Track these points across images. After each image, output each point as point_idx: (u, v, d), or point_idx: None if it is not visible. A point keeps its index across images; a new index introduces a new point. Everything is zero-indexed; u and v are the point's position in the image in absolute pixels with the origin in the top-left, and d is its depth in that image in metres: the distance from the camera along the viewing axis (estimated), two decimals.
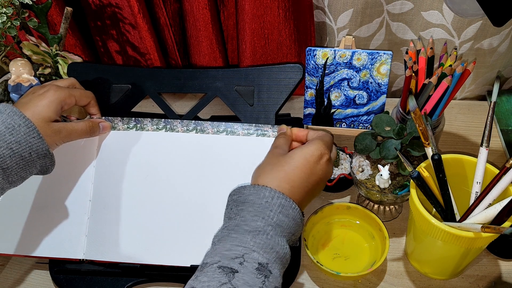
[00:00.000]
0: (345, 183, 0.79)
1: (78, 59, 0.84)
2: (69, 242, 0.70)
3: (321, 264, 0.67)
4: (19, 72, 0.79)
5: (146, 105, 0.92)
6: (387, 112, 0.74)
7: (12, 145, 0.59)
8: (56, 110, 0.64)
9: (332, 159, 0.63)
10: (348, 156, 0.80)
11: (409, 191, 0.66)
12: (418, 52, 0.73)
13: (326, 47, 0.79)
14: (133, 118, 0.74)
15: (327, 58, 0.77)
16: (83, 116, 0.73)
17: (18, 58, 0.80)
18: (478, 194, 0.62)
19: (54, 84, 0.67)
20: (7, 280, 0.73)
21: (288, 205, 0.56)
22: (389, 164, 0.69)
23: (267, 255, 0.52)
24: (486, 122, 0.60)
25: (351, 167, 0.73)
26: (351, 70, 0.78)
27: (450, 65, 0.70)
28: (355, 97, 0.80)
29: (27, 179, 0.64)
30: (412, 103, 0.62)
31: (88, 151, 0.73)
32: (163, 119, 0.74)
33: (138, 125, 0.73)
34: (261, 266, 0.51)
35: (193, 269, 0.67)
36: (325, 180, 0.63)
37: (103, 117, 0.73)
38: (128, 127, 0.73)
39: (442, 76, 0.69)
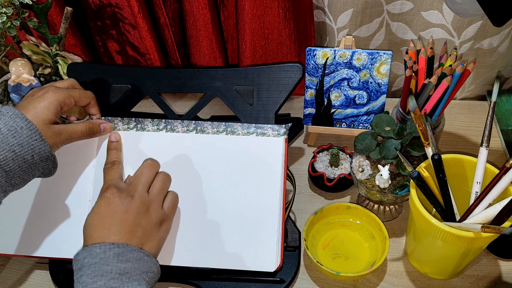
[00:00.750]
0: (345, 183, 0.79)
1: (78, 59, 0.84)
2: (69, 242, 0.70)
3: (321, 264, 0.67)
4: (19, 72, 0.79)
5: (146, 105, 0.92)
6: (387, 112, 0.74)
7: (14, 147, 0.58)
8: (56, 112, 0.64)
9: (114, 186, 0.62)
10: (348, 156, 0.80)
11: (409, 191, 0.66)
12: (418, 52, 0.73)
13: (326, 47, 0.79)
14: (134, 119, 0.74)
15: (327, 58, 0.77)
16: (83, 117, 0.73)
17: (18, 58, 0.80)
18: (478, 194, 0.62)
19: (53, 85, 0.67)
20: (7, 280, 0.73)
21: (124, 251, 0.56)
22: (389, 164, 0.69)
23: None
24: (486, 122, 0.60)
25: (351, 167, 0.73)
26: (351, 70, 0.78)
27: (450, 65, 0.70)
28: (355, 97, 0.80)
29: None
30: (412, 103, 0.62)
31: (88, 151, 0.73)
32: (163, 120, 0.74)
33: (139, 126, 0.73)
34: None
35: (192, 269, 0.68)
36: (138, 201, 0.61)
37: (103, 118, 0.73)
38: (128, 128, 0.73)
39: (442, 76, 0.69)
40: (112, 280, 0.53)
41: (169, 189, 0.67)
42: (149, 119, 0.73)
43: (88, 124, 0.69)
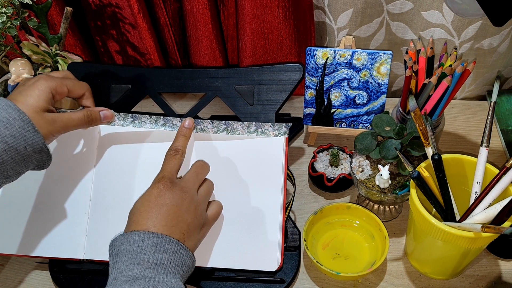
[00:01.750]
0: (345, 183, 0.79)
1: (78, 59, 0.84)
2: (69, 242, 0.70)
3: (321, 264, 0.67)
4: (19, 72, 0.79)
5: (146, 105, 0.92)
6: (387, 112, 0.74)
7: (7, 138, 0.58)
8: (48, 99, 0.62)
9: (170, 178, 0.62)
10: (348, 156, 0.80)
11: (409, 191, 0.66)
12: (418, 52, 0.73)
13: (326, 47, 0.79)
14: (130, 114, 0.73)
15: (327, 58, 0.77)
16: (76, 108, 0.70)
17: (18, 58, 0.80)
18: (478, 194, 0.62)
19: (45, 74, 0.65)
20: (7, 280, 0.73)
21: (162, 242, 0.55)
22: (389, 164, 0.69)
23: None
24: (486, 122, 0.60)
25: (351, 167, 0.73)
26: (351, 70, 0.78)
27: (450, 65, 0.70)
28: (355, 97, 0.80)
29: (28, 179, 0.63)
30: (412, 103, 0.62)
31: (88, 151, 0.73)
32: (161, 117, 0.73)
33: (136, 122, 0.73)
34: None
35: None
36: (188, 199, 0.61)
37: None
38: (124, 123, 0.72)
39: (442, 76, 0.69)
40: (148, 270, 0.53)
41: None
42: (147, 116, 0.73)
43: (86, 112, 0.66)
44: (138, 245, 0.55)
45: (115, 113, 0.72)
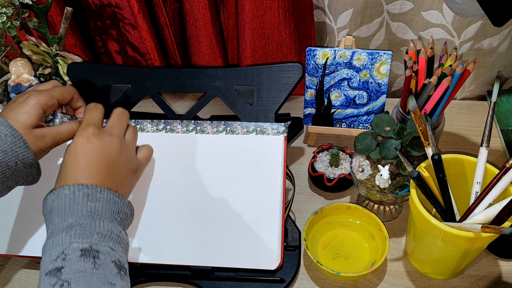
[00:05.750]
0: (345, 183, 0.79)
1: (78, 59, 0.84)
2: None
3: (321, 264, 0.67)
4: (19, 72, 0.79)
5: (146, 105, 0.92)
6: (387, 112, 0.74)
7: None
8: (38, 115, 0.62)
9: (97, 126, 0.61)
10: (348, 156, 0.80)
11: (409, 191, 0.66)
12: (418, 52, 0.73)
13: (326, 47, 0.79)
14: (133, 120, 0.74)
15: (327, 58, 0.77)
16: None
17: (18, 58, 0.80)
18: (478, 194, 0.62)
19: (34, 89, 0.66)
20: (7, 280, 0.73)
21: (93, 192, 0.56)
22: (389, 164, 0.69)
23: (88, 239, 0.52)
24: (486, 122, 0.60)
25: (351, 167, 0.73)
26: (351, 70, 0.78)
27: (450, 65, 0.70)
28: (355, 97, 0.80)
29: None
30: (412, 103, 0.62)
31: None
32: (162, 120, 0.74)
33: (138, 126, 0.73)
34: (85, 251, 0.51)
35: (192, 268, 0.68)
36: (117, 144, 0.61)
37: (104, 120, 0.73)
38: None
39: (442, 76, 0.69)
40: (83, 218, 0.54)
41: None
42: (148, 120, 0.73)
43: (76, 123, 0.66)
44: (70, 198, 0.55)
45: None
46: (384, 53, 0.75)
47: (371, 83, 0.78)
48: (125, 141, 0.63)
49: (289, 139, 0.86)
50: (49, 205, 0.56)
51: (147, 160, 0.67)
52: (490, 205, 0.60)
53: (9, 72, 0.81)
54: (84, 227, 0.53)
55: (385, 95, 0.78)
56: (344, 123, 0.83)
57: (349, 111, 0.81)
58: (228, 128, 0.72)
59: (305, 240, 0.70)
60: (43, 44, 0.81)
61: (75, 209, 0.54)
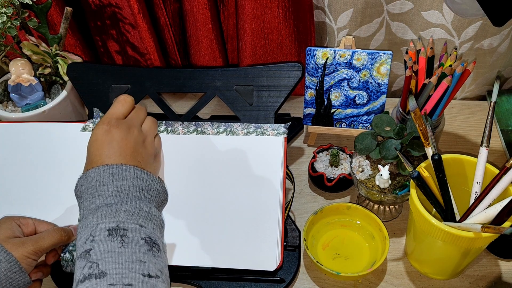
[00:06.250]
0: (345, 183, 0.79)
1: (78, 59, 0.84)
2: None
3: (321, 264, 0.67)
4: (19, 72, 0.79)
5: (146, 105, 0.92)
6: (387, 112, 0.74)
7: None
8: (10, 227, 0.61)
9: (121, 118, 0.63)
10: (348, 156, 0.80)
11: (409, 191, 0.66)
12: (418, 52, 0.73)
13: (326, 47, 0.79)
14: None
15: (327, 58, 0.77)
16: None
17: (18, 58, 0.80)
18: (478, 194, 0.62)
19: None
20: None
21: (119, 170, 0.56)
22: (389, 164, 0.69)
23: (115, 218, 0.52)
24: (486, 122, 0.60)
25: (351, 167, 0.73)
26: (351, 70, 0.78)
27: (450, 65, 0.70)
28: (355, 97, 0.80)
29: (27, 181, 0.63)
30: (412, 103, 0.62)
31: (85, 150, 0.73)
32: (163, 121, 0.74)
33: None
34: (112, 230, 0.51)
35: (192, 268, 0.68)
36: (136, 132, 0.62)
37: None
38: None
39: (442, 76, 0.69)
40: (110, 198, 0.54)
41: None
42: None
43: (61, 229, 0.63)
44: (96, 180, 0.55)
45: None
46: (384, 53, 0.75)
47: (371, 83, 0.78)
48: (142, 130, 0.64)
49: (289, 139, 0.86)
50: (79, 190, 0.57)
51: (160, 148, 0.69)
52: (490, 205, 0.60)
53: (9, 72, 0.81)
54: (110, 206, 0.53)
55: (385, 95, 0.78)
56: (344, 123, 0.83)
57: (349, 111, 0.81)
58: (229, 129, 0.72)
59: (305, 240, 0.70)
60: (43, 44, 0.81)
61: (102, 189, 0.55)
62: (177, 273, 0.69)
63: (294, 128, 0.87)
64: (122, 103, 0.65)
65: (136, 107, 0.67)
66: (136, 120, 0.65)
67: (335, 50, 0.77)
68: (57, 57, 0.82)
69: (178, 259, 0.67)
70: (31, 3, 0.75)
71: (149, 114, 0.80)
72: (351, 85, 0.79)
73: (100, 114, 0.74)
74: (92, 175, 0.56)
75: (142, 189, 0.56)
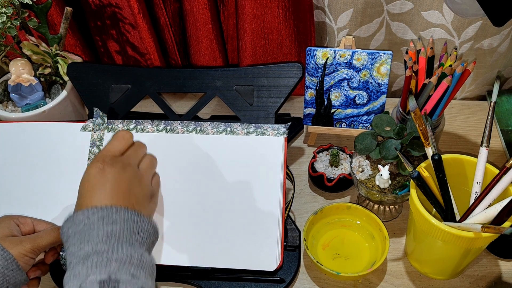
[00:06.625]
0: (345, 183, 0.79)
1: (78, 59, 0.84)
2: None
3: (321, 264, 0.67)
4: (19, 72, 0.79)
5: (146, 105, 0.92)
6: (387, 112, 0.74)
7: None
8: (9, 226, 0.61)
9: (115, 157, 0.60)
10: (348, 156, 0.80)
11: (409, 191, 0.66)
12: (418, 52, 0.73)
13: (326, 47, 0.79)
14: (134, 120, 0.74)
15: (327, 58, 0.77)
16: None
17: (18, 58, 0.80)
18: (478, 194, 0.62)
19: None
20: None
21: (109, 213, 0.53)
22: (389, 164, 0.69)
23: (106, 269, 0.49)
24: (486, 122, 0.60)
25: (351, 167, 0.73)
26: (351, 70, 0.78)
27: (450, 65, 0.70)
28: (355, 97, 0.80)
29: (26, 182, 0.62)
30: (412, 103, 0.62)
31: (82, 150, 0.73)
32: (163, 121, 0.74)
33: (139, 127, 0.73)
34: (103, 283, 0.48)
35: (192, 268, 0.68)
36: (131, 172, 0.59)
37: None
38: (128, 129, 0.73)
39: (442, 76, 0.69)
40: (100, 244, 0.51)
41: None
42: (149, 120, 0.74)
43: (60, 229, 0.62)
44: (84, 224, 0.52)
45: (120, 120, 0.73)
46: (384, 53, 0.75)
47: (371, 83, 0.78)
48: (139, 169, 0.62)
49: (289, 139, 0.86)
50: (65, 233, 0.53)
51: (158, 188, 0.66)
52: (490, 205, 0.60)
53: (9, 72, 0.81)
54: (101, 254, 0.50)
55: (385, 95, 0.78)
56: (344, 123, 0.83)
57: (349, 111, 0.81)
58: (228, 129, 0.72)
59: (305, 240, 0.70)
60: (43, 44, 0.81)
61: (91, 235, 0.51)
62: (177, 273, 0.69)
63: (294, 128, 0.87)
64: (120, 139, 0.61)
65: (135, 143, 0.64)
66: (133, 158, 0.61)
67: (335, 50, 0.77)
68: (57, 57, 0.82)
69: (178, 259, 0.67)
70: (31, 3, 0.75)
71: (149, 114, 0.81)
72: (351, 85, 0.79)
73: (100, 113, 0.73)
74: (80, 218, 0.52)
75: (133, 232, 0.53)
